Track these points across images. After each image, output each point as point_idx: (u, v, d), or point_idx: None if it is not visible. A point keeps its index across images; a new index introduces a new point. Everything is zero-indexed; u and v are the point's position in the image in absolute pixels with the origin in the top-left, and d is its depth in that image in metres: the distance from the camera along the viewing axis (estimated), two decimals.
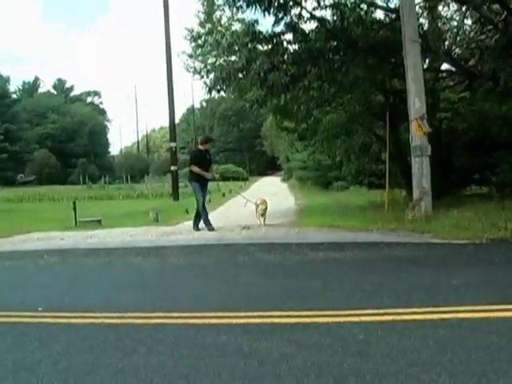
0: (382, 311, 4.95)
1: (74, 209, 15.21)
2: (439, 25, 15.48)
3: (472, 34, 15.32)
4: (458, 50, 15.86)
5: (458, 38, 15.73)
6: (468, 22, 15.78)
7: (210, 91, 14.51)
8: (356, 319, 4.77)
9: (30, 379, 3.70)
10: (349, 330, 4.50)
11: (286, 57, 13.50)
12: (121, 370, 3.81)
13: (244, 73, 13.64)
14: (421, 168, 11.67)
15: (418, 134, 11.64)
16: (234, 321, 4.91)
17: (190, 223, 14.44)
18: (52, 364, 3.99)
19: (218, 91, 14.73)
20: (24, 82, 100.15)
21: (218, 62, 14.93)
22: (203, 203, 12.60)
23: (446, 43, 15.18)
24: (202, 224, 12.47)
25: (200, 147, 13.05)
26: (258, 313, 5.08)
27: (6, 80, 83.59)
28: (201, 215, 12.53)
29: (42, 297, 6.23)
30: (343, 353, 3.95)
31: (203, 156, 12.70)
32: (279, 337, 4.38)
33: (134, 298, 6.07)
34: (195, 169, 12.49)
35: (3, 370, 3.90)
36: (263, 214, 12.44)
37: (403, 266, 7.56)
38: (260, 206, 12.49)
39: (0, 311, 5.52)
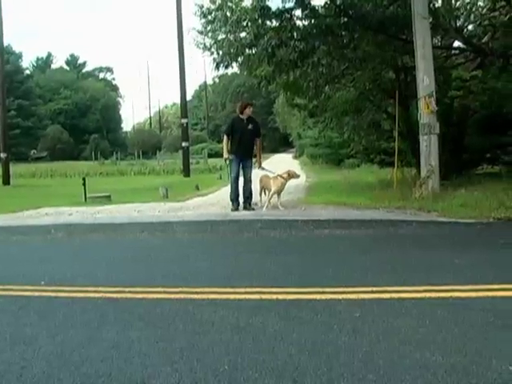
0: (381, 289, 4.94)
1: (84, 184, 15.28)
2: (452, 1, 15.20)
3: (485, 10, 15.04)
4: (470, 27, 15.60)
5: (472, 16, 15.45)
6: None
7: (217, 66, 14.38)
8: (354, 297, 4.77)
9: (26, 352, 3.75)
10: (346, 307, 4.50)
11: (294, 33, 13.34)
12: (116, 343, 3.84)
13: (252, 49, 13.54)
14: (429, 146, 11.57)
15: (426, 111, 11.54)
16: (233, 296, 4.93)
17: (199, 199, 14.50)
18: (49, 337, 4.03)
19: (226, 67, 14.60)
20: (37, 58, 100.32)
21: (227, 39, 14.77)
22: (234, 179, 11.41)
23: (458, 21, 14.90)
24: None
25: (240, 115, 11.53)
26: (257, 289, 5.10)
27: (19, 56, 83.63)
28: (250, 194, 11.54)
29: (46, 271, 6.26)
30: (338, 330, 3.96)
31: (241, 125, 11.38)
32: (276, 313, 4.39)
33: (136, 273, 6.10)
34: (224, 140, 11.56)
35: (1, 343, 3.95)
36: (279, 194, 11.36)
37: (407, 244, 7.54)
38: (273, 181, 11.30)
39: (3, 285, 5.57)
